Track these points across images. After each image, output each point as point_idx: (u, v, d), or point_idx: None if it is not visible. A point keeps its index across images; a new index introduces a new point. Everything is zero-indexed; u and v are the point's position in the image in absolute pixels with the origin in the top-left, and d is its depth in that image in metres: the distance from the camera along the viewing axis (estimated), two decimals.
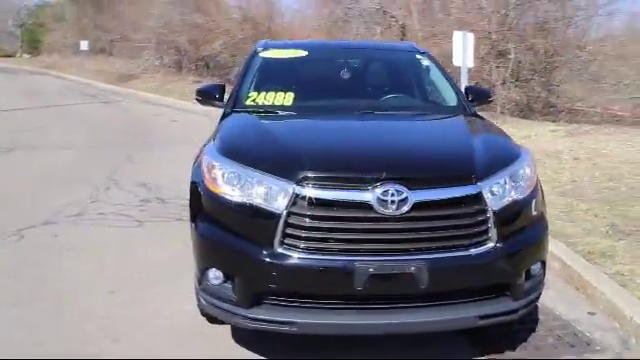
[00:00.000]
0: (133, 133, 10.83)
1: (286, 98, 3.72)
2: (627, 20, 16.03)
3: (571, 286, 3.88)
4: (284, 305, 2.63)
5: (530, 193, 2.88)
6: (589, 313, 3.52)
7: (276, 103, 3.70)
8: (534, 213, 2.89)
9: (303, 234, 2.56)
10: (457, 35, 7.59)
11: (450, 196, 2.61)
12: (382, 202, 2.52)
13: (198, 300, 3.22)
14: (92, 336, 3.22)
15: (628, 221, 4.89)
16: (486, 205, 2.65)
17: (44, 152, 8.82)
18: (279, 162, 2.71)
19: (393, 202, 2.51)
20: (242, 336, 3.14)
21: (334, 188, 2.58)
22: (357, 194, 2.55)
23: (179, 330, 3.29)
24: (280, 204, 2.58)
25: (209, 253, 2.79)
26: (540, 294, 2.96)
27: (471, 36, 7.63)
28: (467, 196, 2.63)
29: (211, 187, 2.81)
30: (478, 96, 4.05)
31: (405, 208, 2.52)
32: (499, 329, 3.06)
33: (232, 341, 3.17)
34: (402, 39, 11.86)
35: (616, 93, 9.75)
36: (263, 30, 15.38)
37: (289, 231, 2.57)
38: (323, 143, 3.05)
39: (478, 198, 2.64)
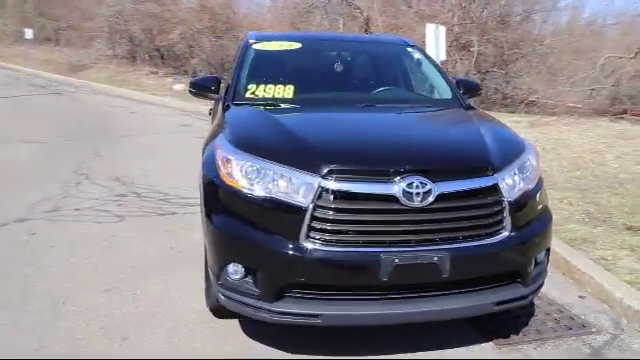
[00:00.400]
0: (93, 125, 10.49)
1: (286, 91, 3.70)
2: (571, 13, 16.67)
3: (559, 272, 4.06)
4: (308, 298, 2.65)
5: (536, 184, 3.00)
6: (580, 297, 3.70)
7: (277, 96, 3.68)
8: (540, 203, 3.02)
9: (329, 227, 2.58)
10: (430, 28, 7.72)
11: (470, 187, 2.69)
12: (407, 194, 2.57)
13: (207, 296, 3.22)
14: (98, 335, 3.14)
15: (601, 208, 5.15)
16: (502, 196, 2.75)
17: (2, 146, 8.42)
18: (302, 156, 2.71)
19: (418, 194, 2.57)
20: (253, 328, 3.15)
21: (359, 181, 2.61)
22: (382, 186, 2.60)
23: (187, 325, 3.25)
24: (306, 198, 2.59)
25: (229, 248, 2.77)
26: (544, 280, 3.09)
27: (443, 29, 7.78)
28: (485, 187, 2.72)
29: (228, 181, 2.78)
30: (469, 89, 4.16)
31: (430, 199, 2.59)
32: (499, 315, 3.19)
33: (241, 333, 3.16)
34: (366, 31, 11.96)
35: (573, 86, 10.20)
36: (223, 20, 15.14)
37: (315, 224, 2.58)
38: (343, 136, 3.07)
39: (495, 189, 2.74)
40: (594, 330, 3.27)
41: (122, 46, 19.89)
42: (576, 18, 16.03)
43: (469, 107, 3.91)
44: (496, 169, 2.78)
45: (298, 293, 2.65)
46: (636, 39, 12.78)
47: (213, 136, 3.31)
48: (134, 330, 3.20)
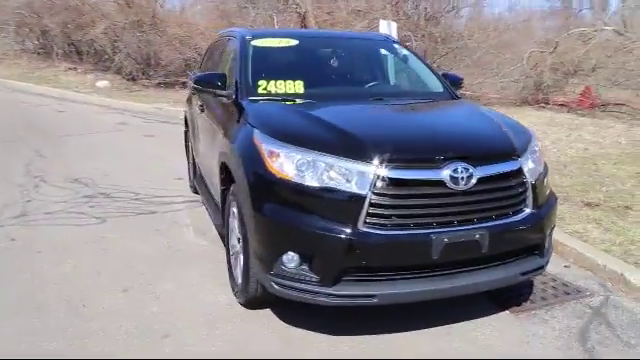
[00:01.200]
0: (21, 126, 9.84)
1: (296, 86, 3.82)
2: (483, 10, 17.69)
3: None
4: (363, 280, 2.82)
5: (544, 167, 3.36)
6: (565, 266, 4.14)
7: (289, 91, 3.79)
8: (547, 183, 3.38)
9: (384, 212, 2.77)
10: (383, 23, 8.05)
11: (503, 170, 3.00)
12: (453, 179, 2.82)
13: (241, 289, 3.29)
14: (135, 334, 3.12)
15: (559, 189, 5.69)
16: (525, 177, 3.08)
17: None
18: (354, 147, 2.87)
19: (462, 178, 2.83)
20: (291, 314, 3.27)
21: (410, 168, 2.83)
22: (431, 173, 2.83)
23: (222, 317, 3.30)
24: (362, 186, 2.76)
25: (284, 238, 2.87)
26: (552, 252, 3.46)
27: (394, 24, 8.14)
28: (513, 170, 3.05)
29: (277, 174, 2.87)
30: (453, 82, 4.46)
31: (473, 182, 2.86)
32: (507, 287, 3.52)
33: (275, 319, 3.27)
34: (303, 26, 12.13)
35: (503, 78, 11.01)
36: (150, 14, 14.63)
37: (372, 210, 2.76)
38: (384, 128, 3.24)
39: (520, 172, 3.07)
40: (588, 293, 3.70)
41: (33, 41, 18.59)
42: (488, 14, 17.07)
43: (459, 98, 4.24)
44: (519, 154, 3.11)
45: (354, 276, 2.81)
46: (538, 35, 14.07)
47: (236, 131, 3.37)
48: (170, 328, 3.19)
